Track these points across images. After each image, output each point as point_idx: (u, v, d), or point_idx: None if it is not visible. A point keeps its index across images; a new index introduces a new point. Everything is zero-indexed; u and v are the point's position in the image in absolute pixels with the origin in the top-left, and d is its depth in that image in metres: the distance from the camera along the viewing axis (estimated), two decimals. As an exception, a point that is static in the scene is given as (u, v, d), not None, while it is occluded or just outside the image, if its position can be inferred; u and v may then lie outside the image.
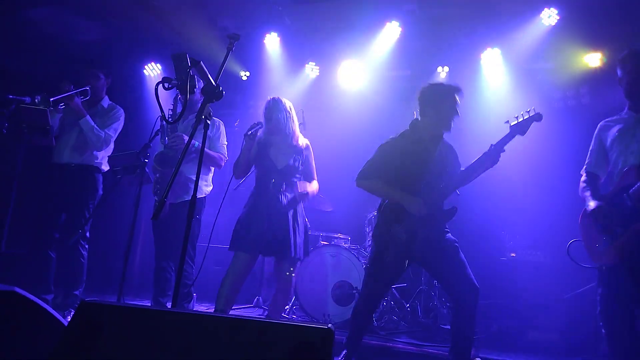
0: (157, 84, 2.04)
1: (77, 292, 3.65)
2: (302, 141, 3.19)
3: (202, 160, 3.33)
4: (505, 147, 2.56)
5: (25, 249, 4.54)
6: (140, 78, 5.85)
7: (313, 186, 3.18)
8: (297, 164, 3.11)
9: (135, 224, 2.95)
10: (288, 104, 3.15)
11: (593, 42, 4.60)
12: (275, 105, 3.09)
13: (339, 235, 4.56)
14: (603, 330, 2.51)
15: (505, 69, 4.94)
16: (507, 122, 2.59)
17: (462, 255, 2.61)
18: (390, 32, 5.02)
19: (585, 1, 4.45)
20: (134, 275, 5.29)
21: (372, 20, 5.04)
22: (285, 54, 5.52)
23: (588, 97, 4.56)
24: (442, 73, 5.22)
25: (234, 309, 4.33)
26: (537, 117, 2.56)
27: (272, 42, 5.43)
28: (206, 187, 3.55)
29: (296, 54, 5.56)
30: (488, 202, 4.33)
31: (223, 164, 3.51)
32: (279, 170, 3.06)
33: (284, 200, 3.03)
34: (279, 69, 5.58)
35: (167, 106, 3.19)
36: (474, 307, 2.52)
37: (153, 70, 5.84)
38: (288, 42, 5.46)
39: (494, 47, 4.92)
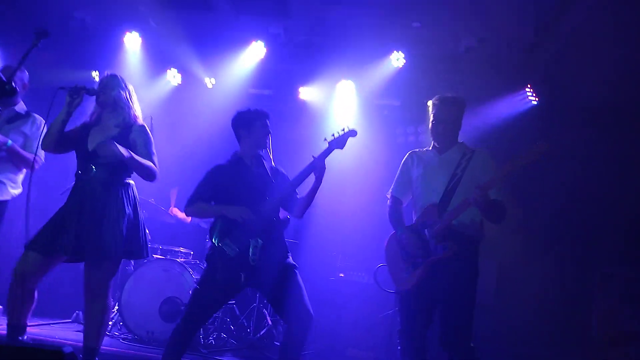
0: None
1: None
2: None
3: (13, 160, 3.10)
4: (325, 160, 2.70)
5: None
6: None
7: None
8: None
9: None
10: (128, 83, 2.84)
11: (433, 86, 5.12)
12: (112, 81, 2.76)
13: (180, 249, 4.42)
14: (399, 347, 2.72)
15: (356, 101, 5.28)
16: (325, 139, 2.76)
17: (300, 281, 2.67)
18: (255, 51, 5.09)
19: (428, 50, 4.98)
20: None
21: (239, 37, 5.08)
22: (146, 56, 5.30)
23: (424, 135, 5.04)
24: (303, 94, 5.39)
25: (45, 325, 3.97)
26: (352, 133, 2.74)
27: (132, 42, 5.18)
28: (13, 189, 3.21)
29: (158, 59, 5.37)
30: (323, 224, 4.55)
31: (37, 167, 3.15)
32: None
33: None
34: (137, 71, 5.33)
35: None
36: (305, 334, 2.59)
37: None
38: (150, 45, 5.26)
39: (348, 79, 5.23)
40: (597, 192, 4.58)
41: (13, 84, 1.97)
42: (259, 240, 2.60)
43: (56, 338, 3.59)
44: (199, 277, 3.97)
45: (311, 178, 2.71)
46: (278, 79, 5.37)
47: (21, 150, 3.10)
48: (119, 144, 2.56)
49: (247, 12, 4.91)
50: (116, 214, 2.59)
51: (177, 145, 4.89)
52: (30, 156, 3.07)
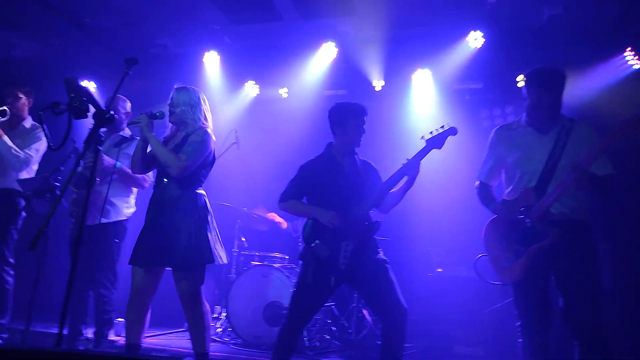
0: (43, 109, 2.00)
1: (3, 321, 3.52)
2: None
3: (124, 181, 3.36)
4: (421, 161, 2.61)
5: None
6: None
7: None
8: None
9: (46, 249, 2.86)
10: (200, 94, 2.89)
11: (517, 63, 4.82)
12: (178, 97, 2.81)
13: (275, 254, 4.54)
14: (521, 342, 2.56)
15: (435, 89, 5.10)
16: (423, 137, 2.67)
17: (392, 275, 2.64)
18: (327, 52, 5.11)
19: (508, 25, 4.69)
20: (53, 300, 5.07)
21: (309, 41, 5.13)
22: (225, 72, 5.52)
23: (513, 116, 4.75)
24: (378, 86, 5.30)
25: (161, 335, 4.24)
26: (452, 131, 2.63)
27: (211, 61, 5.42)
28: (127, 209, 3.47)
29: (236, 72, 5.57)
30: (416, 219, 4.43)
31: (147, 185, 3.42)
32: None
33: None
34: (218, 86, 5.57)
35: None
36: (402, 329, 2.55)
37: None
38: (228, 61, 5.47)
39: (424, 67, 5.07)
40: None
41: (112, 112, 2.10)
42: (350, 244, 2.60)
43: (172, 347, 3.83)
44: (295, 280, 4.07)
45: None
46: (352, 77, 5.33)
47: (130, 171, 3.35)
48: (179, 151, 2.68)
49: (314, 16, 4.95)
50: (190, 224, 2.67)
51: (263, 153, 5.02)
52: (140, 176, 3.32)
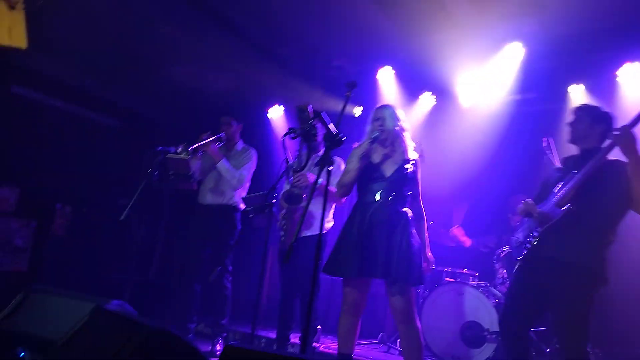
0: (284, 136, 2.19)
1: (223, 322, 3.97)
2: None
3: (326, 198, 3.54)
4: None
5: (171, 280, 5.07)
6: (265, 121, 6.30)
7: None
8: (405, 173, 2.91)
9: (265, 259, 3.14)
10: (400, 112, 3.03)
11: None
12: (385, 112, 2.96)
13: (464, 271, 4.35)
14: None
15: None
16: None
17: None
18: (512, 54, 4.77)
19: None
20: (262, 305, 5.57)
21: (489, 43, 4.86)
22: (400, 85, 5.54)
23: None
24: (574, 92, 4.77)
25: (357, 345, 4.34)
26: None
27: (385, 76, 5.49)
28: (327, 223, 3.66)
29: (411, 85, 5.55)
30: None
31: (344, 200, 3.56)
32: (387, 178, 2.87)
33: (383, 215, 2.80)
34: (394, 101, 5.61)
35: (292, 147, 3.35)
36: None
37: (276, 112, 6.26)
38: (402, 74, 5.48)
39: (633, 61, 4.40)
40: None
41: (342, 135, 2.20)
42: None
43: (369, 358, 3.89)
44: (494, 301, 3.82)
45: None
46: (543, 79, 4.89)
47: (331, 188, 3.53)
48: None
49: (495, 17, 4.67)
50: (402, 241, 2.70)
51: (448, 165, 4.89)
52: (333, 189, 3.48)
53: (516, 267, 2.71)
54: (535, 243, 2.57)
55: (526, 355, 2.58)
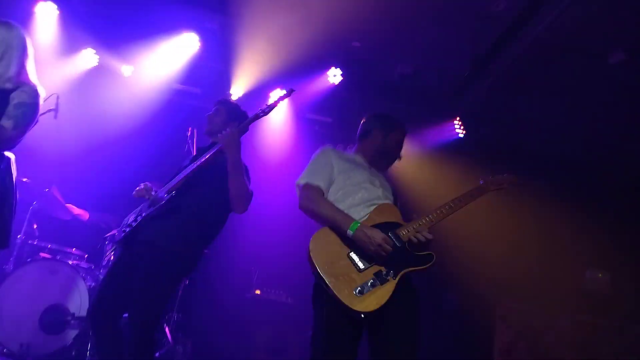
0: None
1: None
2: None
3: None
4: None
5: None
6: None
7: None
8: None
9: None
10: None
11: (366, 109, 5.09)
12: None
13: (73, 250, 3.85)
14: None
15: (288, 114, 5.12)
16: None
17: None
18: (187, 44, 4.72)
19: (364, 72, 4.94)
20: None
21: (171, 26, 4.69)
22: (61, 31, 4.70)
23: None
24: (234, 96, 5.07)
25: None
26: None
27: (45, 12, 4.57)
28: None
29: (75, 35, 4.78)
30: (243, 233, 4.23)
31: None
32: None
33: None
34: (49, 46, 4.72)
35: None
36: None
37: None
38: (67, 18, 4.67)
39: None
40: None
41: None
42: None
43: None
44: (92, 284, 3.49)
45: None
46: (210, 77, 5.03)
47: None
48: None
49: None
50: None
51: (85, 130, 4.35)
52: None
53: (115, 248, 2.49)
54: (135, 225, 2.45)
55: (116, 341, 2.34)
